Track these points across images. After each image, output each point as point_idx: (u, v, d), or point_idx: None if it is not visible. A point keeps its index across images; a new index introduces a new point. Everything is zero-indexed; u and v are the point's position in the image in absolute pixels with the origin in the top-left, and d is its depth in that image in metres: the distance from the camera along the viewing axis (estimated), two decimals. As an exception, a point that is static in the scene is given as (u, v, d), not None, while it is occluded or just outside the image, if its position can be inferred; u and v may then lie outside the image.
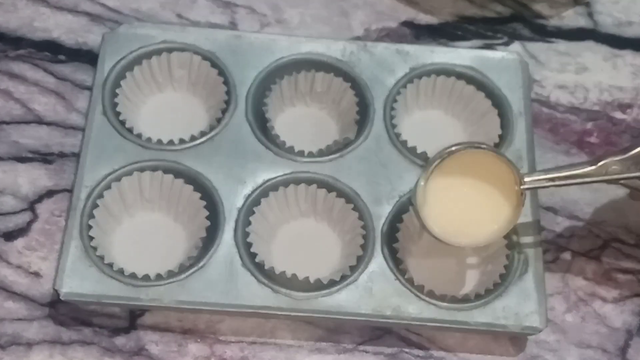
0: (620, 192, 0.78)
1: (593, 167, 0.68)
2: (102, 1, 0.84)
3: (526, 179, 0.68)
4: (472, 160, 0.68)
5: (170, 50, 0.78)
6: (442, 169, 0.68)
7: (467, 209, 0.69)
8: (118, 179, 0.72)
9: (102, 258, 0.69)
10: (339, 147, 0.76)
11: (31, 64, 0.80)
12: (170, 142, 0.74)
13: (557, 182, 0.69)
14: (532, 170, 0.75)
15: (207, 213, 0.71)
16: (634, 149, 0.68)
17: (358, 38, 0.84)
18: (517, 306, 0.70)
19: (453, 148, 0.67)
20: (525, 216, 0.73)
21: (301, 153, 0.75)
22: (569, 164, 0.70)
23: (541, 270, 0.71)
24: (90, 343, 0.70)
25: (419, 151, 0.75)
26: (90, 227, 0.70)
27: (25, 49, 0.81)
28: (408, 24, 0.85)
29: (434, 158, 0.67)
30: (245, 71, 0.78)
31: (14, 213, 0.74)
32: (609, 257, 0.76)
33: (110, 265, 0.69)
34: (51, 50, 0.81)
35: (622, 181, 0.68)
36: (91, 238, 0.70)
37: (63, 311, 0.71)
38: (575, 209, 0.77)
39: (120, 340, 0.70)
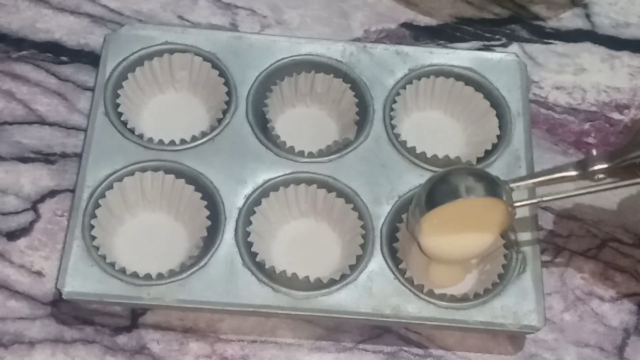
0: (618, 191, 0.78)
1: (579, 172, 0.68)
2: (103, 2, 0.84)
3: (511, 185, 0.68)
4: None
5: (171, 52, 0.78)
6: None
7: (460, 234, 0.70)
8: (120, 179, 0.73)
9: (104, 257, 0.70)
10: (339, 147, 0.76)
11: (33, 64, 0.81)
12: (172, 143, 0.75)
13: (545, 199, 0.70)
14: (531, 170, 0.75)
15: (208, 213, 0.72)
16: (621, 155, 0.68)
17: (358, 39, 0.84)
18: (516, 305, 0.70)
19: (455, 200, 0.67)
20: (524, 216, 0.73)
21: (301, 153, 0.75)
22: (555, 167, 0.70)
23: (539, 270, 0.72)
24: (92, 342, 0.70)
25: (418, 151, 0.75)
26: (92, 226, 0.71)
27: (28, 50, 0.81)
28: (407, 25, 0.86)
29: (430, 201, 0.67)
30: (245, 72, 0.78)
31: (17, 213, 0.74)
32: (607, 257, 0.76)
33: (112, 264, 0.70)
34: (53, 52, 0.81)
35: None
36: (93, 238, 0.70)
37: (65, 310, 0.71)
38: (573, 209, 0.77)
39: (122, 339, 0.70)
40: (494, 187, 0.67)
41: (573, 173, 0.68)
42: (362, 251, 0.71)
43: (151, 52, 0.78)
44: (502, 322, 0.69)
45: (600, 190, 0.69)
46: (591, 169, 0.68)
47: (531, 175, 0.73)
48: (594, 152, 0.69)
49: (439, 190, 0.67)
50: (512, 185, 0.68)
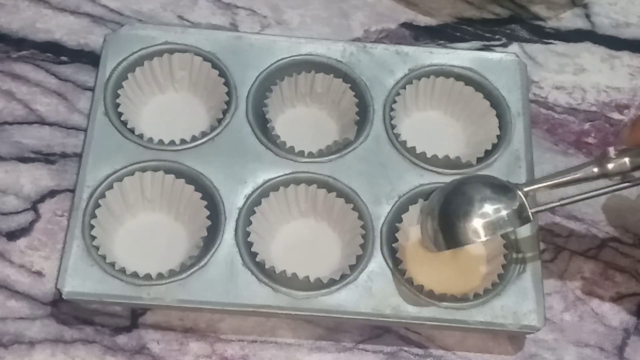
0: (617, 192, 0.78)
1: (596, 174, 0.66)
2: (103, 2, 0.84)
3: (525, 190, 0.68)
4: None
5: (171, 52, 0.78)
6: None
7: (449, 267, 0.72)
8: (120, 179, 0.73)
9: (104, 257, 0.70)
10: (339, 147, 0.76)
11: (33, 64, 0.81)
12: (172, 143, 0.75)
13: (563, 202, 0.68)
14: (530, 171, 0.75)
15: (208, 213, 0.72)
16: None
17: (358, 39, 0.84)
18: (516, 305, 0.70)
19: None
20: (524, 216, 0.74)
21: (301, 153, 0.75)
22: (570, 169, 0.68)
23: (539, 270, 0.72)
24: (92, 342, 0.70)
25: (418, 151, 0.75)
26: (92, 226, 0.71)
27: (28, 50, 0.81)
28: (407, 25, 0.86)
29: (445, 216, 0.68)
30: (245, 72, 0.78)
31: (17, 213, 0.74)
32: (607, 257, 0.76)
33: (112, 264, 0.70)
34: (53, 52, 0.81)
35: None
36: (93, 237, 0.70)
37: (65, 310, 0.71)
38: (573, 209, 0.77)
39: (121, 339, 0.70)
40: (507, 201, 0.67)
41: (590, 175, 0.67)
42: (362, 251, 0.71)
43: (151, 52, 0.78)
44: (502, 322, 0.69)
45: (621, 189, 0.68)
46: (611, 170, 0.66)
47: (545, 178, 0.70)
48: (611, 151, 0.66)
49: (453, 206, 0.67)
50: (526, 189, 0.68)
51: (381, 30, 0.85)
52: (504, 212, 0.67)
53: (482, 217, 0.67)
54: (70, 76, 0.80)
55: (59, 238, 0.73)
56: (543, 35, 0.86)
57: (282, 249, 0.73)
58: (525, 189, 0.68)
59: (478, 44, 0.85)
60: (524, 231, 0.73)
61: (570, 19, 0.87)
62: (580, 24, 0.87)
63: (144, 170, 0.73)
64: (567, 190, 0.69)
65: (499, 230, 0.68)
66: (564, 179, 0.68)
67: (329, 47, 0.80)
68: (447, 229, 0.68)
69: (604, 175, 0.67)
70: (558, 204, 0.69)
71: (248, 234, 0.71)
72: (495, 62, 0.80)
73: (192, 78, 0.79)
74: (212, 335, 0.71)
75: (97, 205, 0.72)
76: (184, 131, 0.75)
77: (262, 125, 0.76)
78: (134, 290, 0.69)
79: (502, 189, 0.68)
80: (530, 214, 0.67)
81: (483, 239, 0.67)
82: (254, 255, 0.70)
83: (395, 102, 0.78)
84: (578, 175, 0.67)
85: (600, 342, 0.73)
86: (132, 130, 0.75)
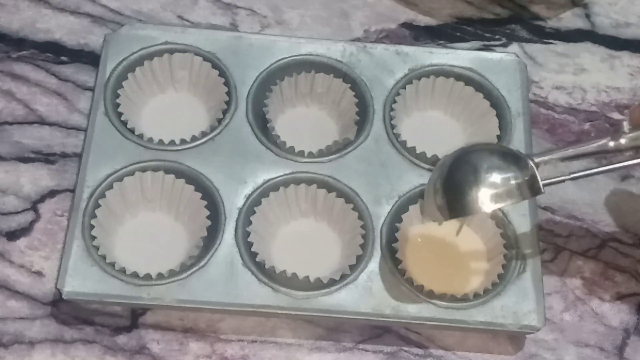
0: (618, 191, 0.78)
1: (609, 148, 0.64)
2: (103, 2, 0.84)
3: (537, 160, 0.64)
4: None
5: (171, 51, 0.78)
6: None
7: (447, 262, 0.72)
8: (120, 179, 0.73)
9: (104, 257, 0.70)
10: (339, 147, 0.76)
11: (33, 64, 0.81)
12: (172, 143, 0.75)
13: (575, 175, 0.65)
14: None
15: (208, 213, 0.72)
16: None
17: (358, 39, 0.84)
18: (516, 305, 0.70)
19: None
20: (524, 216, 0.73)
21: (301, 153, 0.75)
22: (583, 141, 0.66)
23: (539, 270, 0.72)
24: (92, 342, 0.70)
25: (418, 151, 0.75)
26: (92, 226, 0.71)
27: (28, 50, 0.81)
28: (407, 25, 0.86)
29: (450, 186, 0.65)
30: (245, 72, 0.78)
31: (17, 213, 0.74)
32: (607, 257, 0.76)
33: (112, 264, 0.70)
34: (53, 52, 0.81)
35: None
36: (93, 237, 0.70)
37: (65, 310, 0.71)
38: (573, 209, 0.77)
39: (121, 339, 0.70)
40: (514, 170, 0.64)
41: (602, 148, 0.65)
42: (362, 251, 0.71)
43: (151, 52, 0.78)
44: (502, 322, 0.69)
45: (632, 165, 0.66)
46: (624, 145, 0.64)
47: (557, 149, 0.66)
48: (625, 125, 0.64)
49: (459, 173, 0.64)
50: (537, 160, 0.65)
51: (381, 30, 0.85)
52: (513, 182, 0.63)
53: (491, 186, 0.63)
54: (70, 76, 0.80)
55: (59, 238, 0.73)
56: (543, 35, 0.86)
57: (282, 249, 0.73)
58: (537, 160, 0.65)
59: (478, 44, 0.85)
60: (524, 231, 0.73)
61: (570, 19, 0.87)
62: (580, 24, 0.87)
63: (144, 170, 0.73)
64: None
65: (508, 200, 0.63)
66: (576, 152, 0.65)
67: (329, 47, 0.80)
68: (453, 198, 0.64)
69: (617, 149, 0.65)
70: (569, 177, 0.65)
71: (248, 234, 0.71)
72: (495, 62, 0.80)
73: (192, 78, 0.79)
74: (212, 335, 0.71)
75: (97, 205, 0.72)
76: (184, 131, 0.75)
77: (262, 125, 0.76)
78: (134, 290, 0.69)
79: (512, 158, 0.65)
80: (541, 185, 0.64)
81: (489, 210, 0.63)
82: (254, 255, 0.70)
83: (395, 102, 0.78)
84: (590, 148, 0.65)
85: (600, 342, 0.73)
86: (132, 130, 0.75)
